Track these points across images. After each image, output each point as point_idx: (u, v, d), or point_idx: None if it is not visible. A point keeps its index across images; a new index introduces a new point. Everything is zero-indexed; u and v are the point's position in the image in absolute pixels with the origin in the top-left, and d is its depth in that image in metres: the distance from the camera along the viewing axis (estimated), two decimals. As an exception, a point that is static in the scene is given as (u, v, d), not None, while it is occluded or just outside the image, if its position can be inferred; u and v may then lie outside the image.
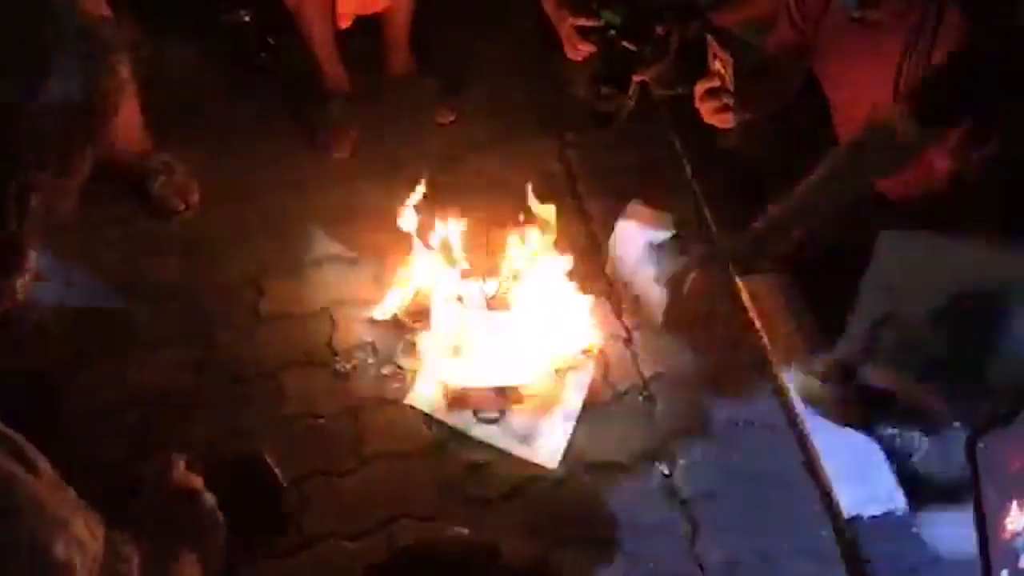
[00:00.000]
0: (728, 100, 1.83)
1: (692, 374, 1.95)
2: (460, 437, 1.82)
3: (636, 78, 2.06)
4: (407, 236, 2.00)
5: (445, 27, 2.67)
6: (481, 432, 1.82)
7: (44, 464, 0.71)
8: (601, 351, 1.95)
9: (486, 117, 2.49)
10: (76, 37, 0.67)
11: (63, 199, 0.69)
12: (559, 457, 1.80)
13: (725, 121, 1.89)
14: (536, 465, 1.79)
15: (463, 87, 2.55)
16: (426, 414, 1.85)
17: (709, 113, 1.87)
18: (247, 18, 2.54)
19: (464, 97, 2.53)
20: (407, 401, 1.87)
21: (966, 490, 1.57)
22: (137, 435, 1.81)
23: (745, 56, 2.00)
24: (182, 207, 2.21)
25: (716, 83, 1.83)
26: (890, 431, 1.74)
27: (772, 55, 1.95)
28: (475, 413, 1.84)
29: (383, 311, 1.99)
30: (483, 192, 2.24)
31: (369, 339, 1.97)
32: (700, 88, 1.87)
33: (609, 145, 2.35)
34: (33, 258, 0.73)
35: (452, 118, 2.49)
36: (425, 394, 1.87)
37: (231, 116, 2.45)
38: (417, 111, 2.48)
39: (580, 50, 2.16)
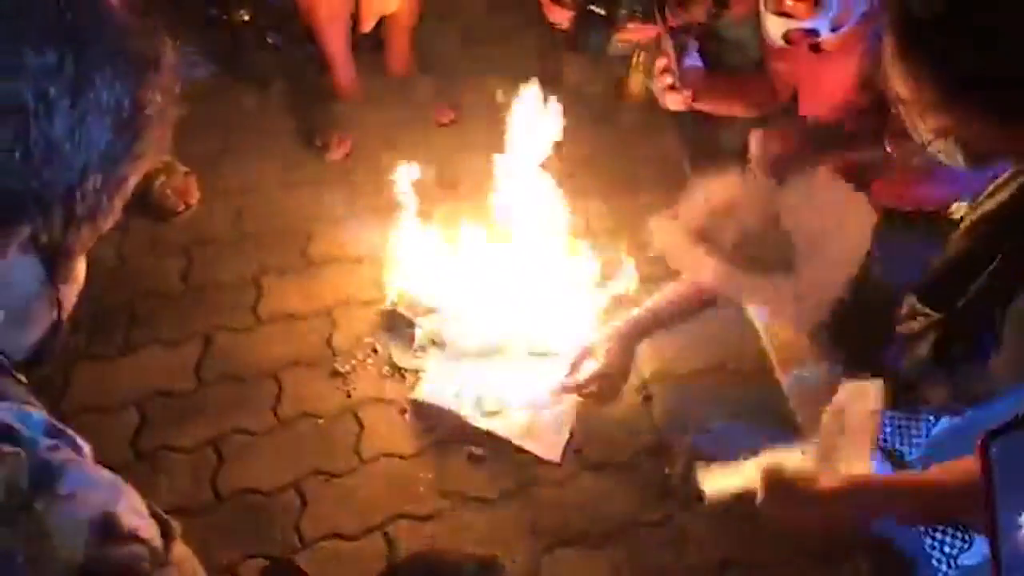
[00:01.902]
0: (674, 81, 1.86)
1: (692, 374, 1.95)
2: (460, 438, 1.82)
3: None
4: (406, 231, 2.00)
5: (445, 27, 2.68)
6: (484, 424, 1.82)
7: (87, 447, 0.74)
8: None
9: (485, 116, 2.48)
10: (120, 47, 0.67)
11: (108, 211, 0.70)
12: (560, 449, 1.80)
13: (674, 102, 1.91)
14: (536, 464, 1.79)
15: (462, 87, 2.55)
16: (429, 410, 1.85)
17: (659, 92, 1.92)
18: (246, 17, 2.54)
19: (463, 96, 2.53)
20: (413, 395, 1.87)
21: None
22: (137, 435, 1.81)
23: (733, 54, 2.01)
24: (181, 207, 2.21)
25: (666, 63, 1.88)
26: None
27: (764, 56, 1.96)
28: (478, 406, 1.84)
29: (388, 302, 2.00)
30: (482, 191, 2.24)
31: (369, 339, 1.97)
32: (657, 67, 1.91)
33: (609, 144, 2.34)
34: (80, 269, 0.73)
35: (452, 117, 2.49)
36: (431, 387, 1.87)
37: (230, 115, 2.46)
38: (417, 110, 2.48)
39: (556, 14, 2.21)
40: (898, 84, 1.10)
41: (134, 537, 0.70)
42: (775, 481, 1.33)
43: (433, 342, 1.94)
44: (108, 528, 0.68)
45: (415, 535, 1.69)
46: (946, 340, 1.49)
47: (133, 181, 0.71)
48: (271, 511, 1.71)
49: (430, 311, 1.97)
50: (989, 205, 1.37)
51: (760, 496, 1.34)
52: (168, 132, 0.73)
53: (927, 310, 1.43)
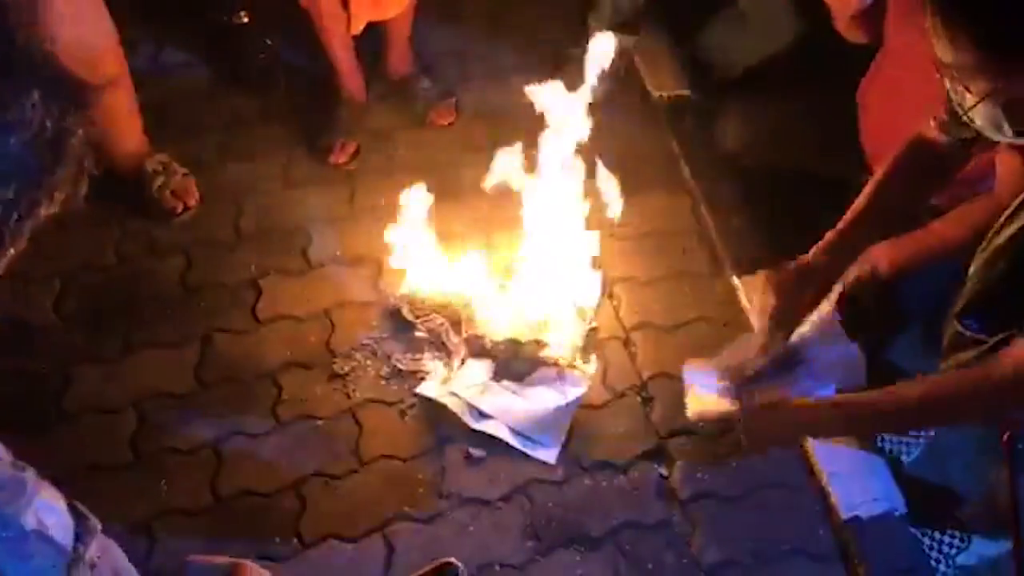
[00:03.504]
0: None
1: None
2: (458, 439, 1.82)
3: None
4: (406, 233, 2.00)
5: (444, 28, 2.68)
6: (480, 425, 1.83)
7: (2, 451, 0.78)
8: (600, 351, 1.97)
9: (485, 118, 2.49)
10: (51, 80, 0.69)
11: (15, 232, 0.70)
12: (557, 451, 1.80)
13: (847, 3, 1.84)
14: (535, 466, 1.79)
15: (462, 88, 2.55)
16: (430, 408, 1.85)
17: (845, 26, 1.85)
18: (246, 19, 2.54)
19: (463, 98, 2.53)
20: (417, 389, 1.88)
21: (961, 494, 1.58)
22: (136, 436, 1.81)
23: None
24: (180, 208, 2.21)
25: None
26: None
27: None
28: (474, 407, 1.85)
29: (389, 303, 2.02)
30: (482, 192, 2.24)
31: (368, 341, 1.98)
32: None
33: (606, 147, 2.34)
34: None
35: (451, 119, 2.49)
36: (430, 386, 1.88)
37: (229, 117, 2.46)
38: (416, 112, 2.48)
39: None
40: (939, 48, 1.07)
41: (36, 535, 0.72)
42: (754, 403, 1.44)
43: (432, 344, 1.95)
44: (4, 531, 0.70)
45: (414, 536, 1.69)
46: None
47: (44, 212, 0.72)
48: (271, 513, 1.71)
49: (430, 312, 1.97)
50: (1021, 222, 1.35)
51: (743, 417, 1.45)
52: (83, 184, 0.74)
53: (980, 336, 1.38)
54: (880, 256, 1.71)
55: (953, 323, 1.42)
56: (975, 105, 1.08)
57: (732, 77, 2.32)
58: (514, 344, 1.89)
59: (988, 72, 1.03)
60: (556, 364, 1.90)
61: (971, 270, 1.39)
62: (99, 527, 0.80)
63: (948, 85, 1.12)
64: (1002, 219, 1.34)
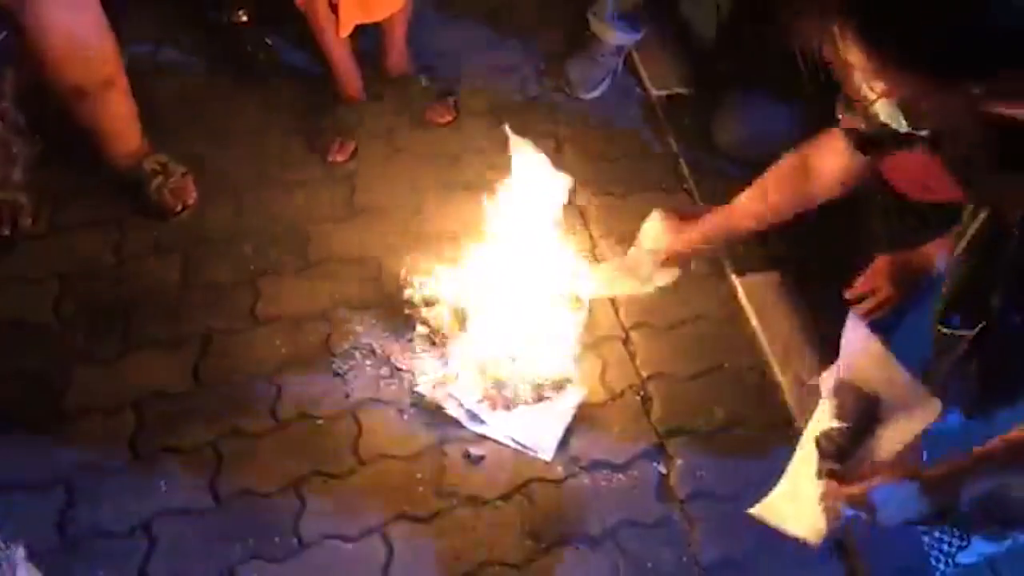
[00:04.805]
0: None
1: (689, 374, 1.96)
2: (458, 438, 1.83)
3: None
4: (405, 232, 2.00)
5: (444, 27, 2.68)
6: (475, 427, 1.83)
7: None
8: (598, 351, 1.96)
9: (484, 117, 2.49)
10: None
11: None
12: (554, 447, 1.81)
13: None
14: (534, 465, 1.79)
15: (461, 87, 2.55)
16: (429, 406, 1.86)
17: None
18: (245, 18, 2.54)
19: (462, 97, 2.53)
20: (417, 388, 1.88)
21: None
22: (135, 436, 1.81)
23: None
24: (178, 208, 2.20)
25: None
26: None
27: None
28: (469, 408, 1.85)
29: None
30: (481, 191, 2.24)
31: (367, 340, 1.98)
32: None
33: (606, 146, 2.35)
34: None
35: (450, 118, 2.49)
36: (427, 387, 1.88)
37: (228, 116, 2.45)
38: (415, 111, 2.48)
39: None
40: (841, 47, 1.09)
41: None
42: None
43: (432, 341, 1.95)
44: None
45: (414, 536, 1.69)
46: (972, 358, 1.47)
47: None
48: (270, 512, 1.72)
49: (429, 311, 1.97)
50: (973, 228, 1.38)
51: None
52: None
53: (961, 332, 1.42)
54: (937, 252, 1.71)
55: (937, 327, 1.44)
56: (875, 101, 1.11)
57: (729, 63, 2.32)
58: (512, 347, 1.89)
59: (881, 75, 1.05)
60: (553, 373, 1.90)
61: (944, 273, 1.44)
62: (20, 557, 0.79)
63: (848, 80, 1.15)
64: (964, 219, 1.37)
